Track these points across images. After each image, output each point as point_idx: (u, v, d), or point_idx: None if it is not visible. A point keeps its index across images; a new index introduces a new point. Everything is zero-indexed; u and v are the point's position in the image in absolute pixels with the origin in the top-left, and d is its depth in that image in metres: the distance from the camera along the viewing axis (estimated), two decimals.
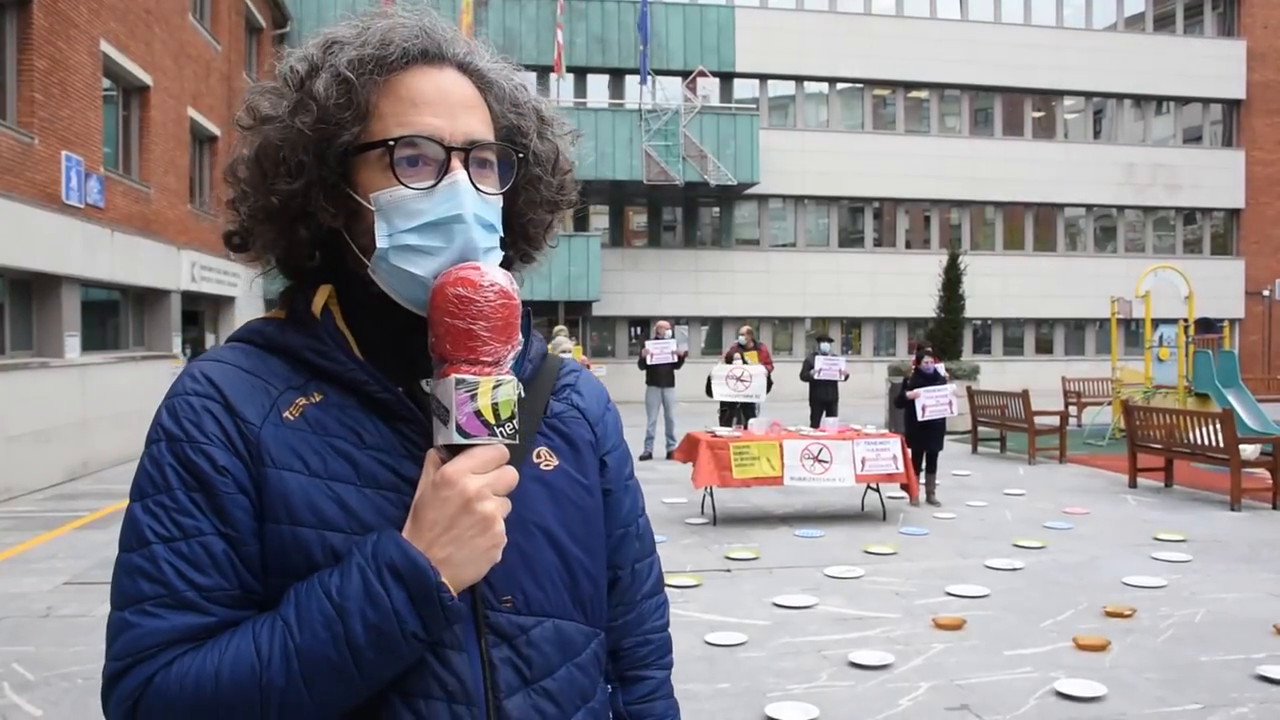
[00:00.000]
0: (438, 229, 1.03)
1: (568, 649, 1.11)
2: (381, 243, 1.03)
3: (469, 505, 0.96)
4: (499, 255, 1.08)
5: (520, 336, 1.04)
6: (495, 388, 0.98)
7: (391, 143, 1.03)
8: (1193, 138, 31.89)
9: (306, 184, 1.04)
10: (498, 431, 0.98)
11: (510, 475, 1.00)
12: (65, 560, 7.59)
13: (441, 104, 1.05)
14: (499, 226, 1.08)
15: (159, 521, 0.97)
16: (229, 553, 0.98)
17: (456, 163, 1.04)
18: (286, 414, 1.03)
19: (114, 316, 14.55)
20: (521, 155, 1.12)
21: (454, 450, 0.98)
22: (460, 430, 0.97)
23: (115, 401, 13.36)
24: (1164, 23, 31.55)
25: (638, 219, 28.68)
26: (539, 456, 1.14)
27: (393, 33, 1.06)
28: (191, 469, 0.99)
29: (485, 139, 1.07)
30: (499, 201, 1.09)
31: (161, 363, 15.45)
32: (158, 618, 0.95)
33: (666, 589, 1.39)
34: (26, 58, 11.21)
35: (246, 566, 0.99)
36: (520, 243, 1.20)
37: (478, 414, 0.97)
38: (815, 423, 13.05)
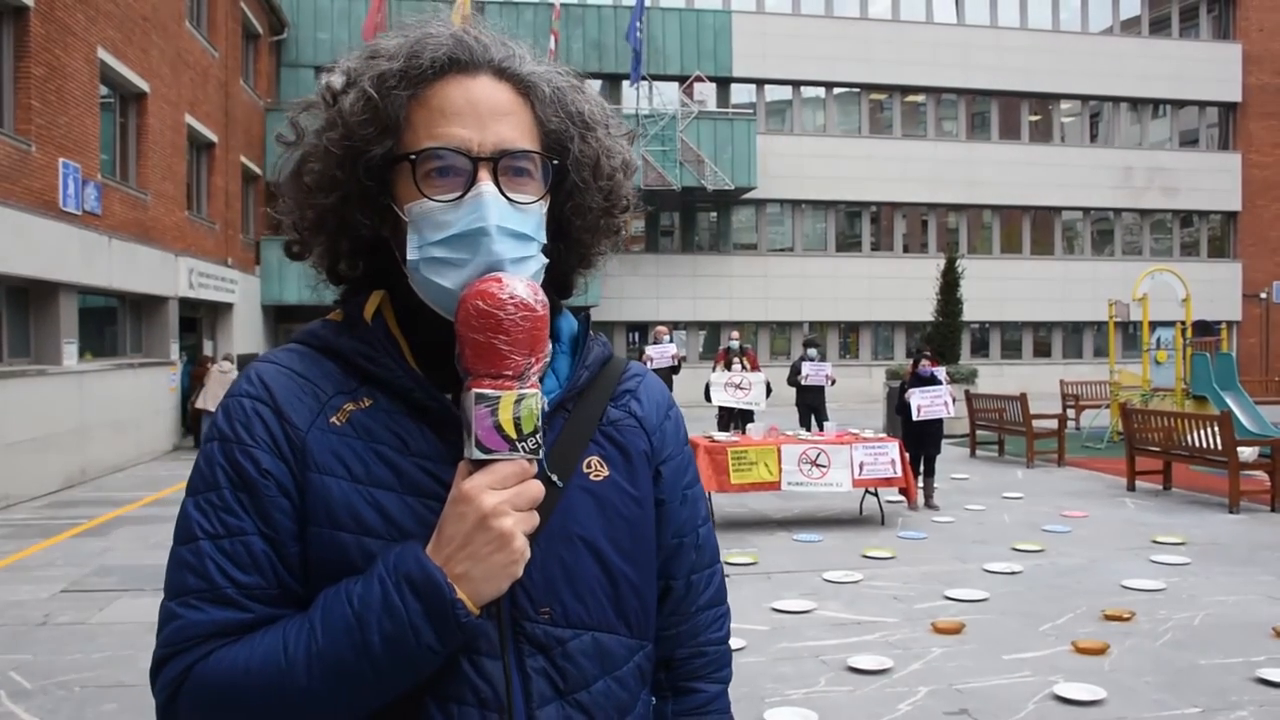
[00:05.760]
0: (463, 241, 1.02)
1: (607, 662, 1.10)
2: (412, 255, 1.04)
3: (484, 521, 0.95)
4: (537, 265, 1.06)
5: (548, 347, 1.03)
6: (517, 401, 0.96)
7: (413, 156, 1.03)
8: (1189, 141, 31.97)
9: (341, 198, 1.06)
10: (519, 446, 0.97)
11: (534, 490, 0.98)
12: (63, 568, 7.58)
13: (470, 114, 1.04)
14: (537, 235, 1.06)
15: (207, 518, 1.01)
16: (269, 553, 1.00)
17: (484, 174, 1.02)
18: (334, 419, 1.04)
19: (112, 323, 14.54)
20: (556, 162, 1.09)
21: (477, 465, 0.97)
22: (480, 445, 0.96)
23: (113, 408, 13.35)
24: (1160, 26, 31.64)
25: (635, 224, 28.66)
26: (589, 466, 1.11)
27: (424, 43, 1.06)
28: (239, 470, 1.01)
29: (517, 146, 1.05)
30: (539, 209, 1.07)
31: (159, 369, 15.45)
32: (199, 611, 0.98)
33: None
34: (24, 65, 11.23)
35: (287, 567, 1.01)
36: (575, 249, 1.18)
37: (498, 428, 0.96)
38: (804, 427, 13.06)
